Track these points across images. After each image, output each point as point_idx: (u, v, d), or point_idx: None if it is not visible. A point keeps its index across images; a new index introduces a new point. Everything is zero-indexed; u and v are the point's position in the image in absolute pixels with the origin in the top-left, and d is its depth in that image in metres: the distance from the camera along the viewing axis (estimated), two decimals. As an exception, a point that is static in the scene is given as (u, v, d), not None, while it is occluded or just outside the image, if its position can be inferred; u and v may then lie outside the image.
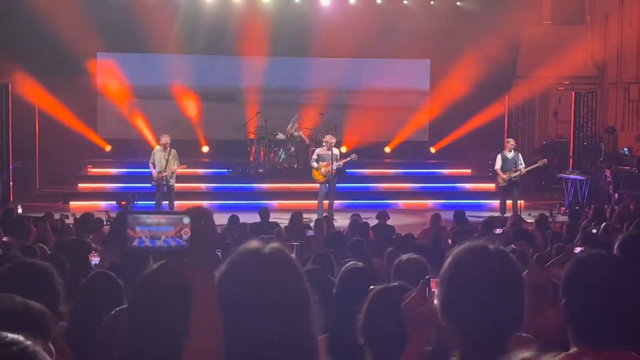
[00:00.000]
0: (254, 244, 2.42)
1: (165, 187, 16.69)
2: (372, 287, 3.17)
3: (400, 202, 19.37)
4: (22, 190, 18.97)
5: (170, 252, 2.40)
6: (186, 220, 2.38)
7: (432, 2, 22.63)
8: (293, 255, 2.42)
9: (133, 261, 4.53)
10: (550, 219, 13.93)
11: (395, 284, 3.18)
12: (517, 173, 17.06)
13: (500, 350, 2.35)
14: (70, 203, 18.42)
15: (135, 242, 2.41)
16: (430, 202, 19.30)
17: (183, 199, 18.15)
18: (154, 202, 16.79)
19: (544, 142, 23.36)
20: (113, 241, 7.64)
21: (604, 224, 9.83)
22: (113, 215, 13.58)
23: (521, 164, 17.18)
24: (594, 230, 9.40)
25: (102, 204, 17.93)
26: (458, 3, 22.67)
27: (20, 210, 14.38)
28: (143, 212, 2.60)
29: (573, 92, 21.50)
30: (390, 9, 22.41)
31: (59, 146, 20.61)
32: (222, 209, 17.37)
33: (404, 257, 4.68)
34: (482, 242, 2.57)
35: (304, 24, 21.90)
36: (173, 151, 16.80)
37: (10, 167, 18.51)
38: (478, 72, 21.69)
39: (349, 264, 4.53)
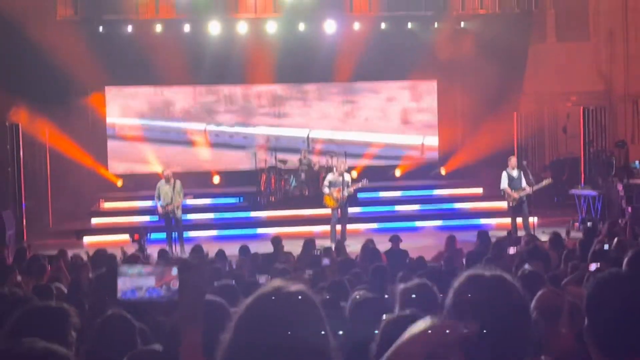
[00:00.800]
0: (275, 283, 2.39)
1: (172, 219, 16.74)
2: (384, 316, 3.17)
3: (414, 225, 19.34)
4: (35, 228, 19.02)
5: (152, 304, 2.40)
6: (174, 271, 2.38)
7: (435, 25, 22.69)
8: (312, 295, 2.37)
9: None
10: (565, 237, 13.87)
11: (407, 312, 3.18)
12: (525, 193, 17.02)
13: None
14: (84, 239, 18.48)
15: (119, 294, 2.42)
16: (443, 223, 19.26)
17: (196, 230, 18.23)
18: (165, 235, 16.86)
19: (554, 159, 23.29)
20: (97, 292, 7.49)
21: (616, 239, 9.77)
22: (128, 250, 13.59)
23: (523, 183, 17.08)
24: (606, 246, 9.34)
25: (116, 238, 17.96)
26: (462, 24, 22.72)
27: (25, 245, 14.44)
28: (130, 264, 2.60)
29: (581, 108, 21.46)
30: (395, 32, 22.47)
31: (70, 183, 20.68)
32: (234, 238, 17.40)
33: (410, 283, 4.63)
34: (480, 270, 2.56)
35: (310, 51, 22.00)
36: (178, 183, 16.84)
37: (23, 205, 18.58)
38: (485, 91, 21.71)
39: (357, 294, 4.52)
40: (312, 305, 2.37)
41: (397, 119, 23.29)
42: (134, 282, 2.45)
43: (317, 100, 23.12)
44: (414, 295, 4.22)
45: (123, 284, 2.44)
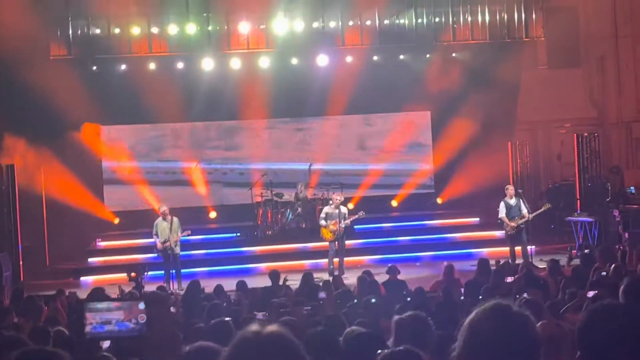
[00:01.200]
0: (253, 327, 2.39)
1: (171, 256, 16.74)
2: (379, 351, 3.16)
3: (411, 255, 19.31)
4: (33, 268, 18.97)
5: (122, 337, 2.41)
6: (142, 305, 2.39)
7: (428, 56, 22.82)
8: (292, 337, 2.37)
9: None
10: (565, 265, 13.87)
11: (402, 348, 3.17)
12: (523, 220, 17.03)
13: None
14: (81, 279, 18.42)
15: (88, 328, 2.43)
16: (440, 253, 19.23)
17: (194, 266, 18.18)
18: (162, 272, 16.83)
19: (549, 186, 23.34)
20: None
21: (613, 266, 9.77)
22: (126, 288, 13.54)
23: (525, 209, 17.15)
24: (604, 273, 9.34)
25: (114, 276, 17.88)
26: (454, 54, 22.86)
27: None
28: (98, 299, 2.62)
29: (575, 135, 21.56)
30: (388, 64, 22.59)
31: (66, 222, 20.66)
32: (233, 273, 17.38)
33: (404, 315, 4.61)
34: (505, 303, 2.58)
35: (303, 84, 22.10)
36: (175, 220, 16.88)
37: (20, 246, 18.54)
38: (479, 120, 21.81)
39: (352, 329, 4.51)
40: (289, 345, 2.37)
41: (392, 149, 23.31)
42: (103, 316, 2.46)
43: (313, 133, 23.15)
44: (409, 327, 4.21)
45: (92, 319, 2.45)
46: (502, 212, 17.32)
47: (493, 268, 12.67)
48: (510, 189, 17.67)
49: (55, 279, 18.13)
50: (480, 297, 9.01)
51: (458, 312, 8.74)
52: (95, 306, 2.37)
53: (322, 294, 11.24)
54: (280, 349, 2.35)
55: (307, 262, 18.45)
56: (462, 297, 10.57)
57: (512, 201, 17.29)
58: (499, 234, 19.55)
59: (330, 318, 6.79)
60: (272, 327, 2.37)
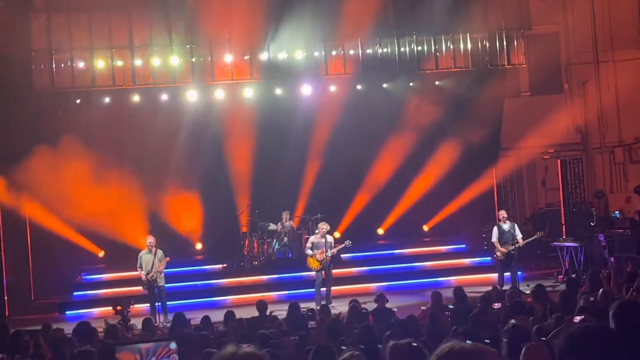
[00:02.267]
0: (229, 349, 2.39)
1: (156, 288, 16.65)
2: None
3: (398, 283, 19.28)
4: (17, 303, 18.81)
5: None
6: (173, 345, 2.40)
7: (411, 84, 22.96)
8: (266, 357, 2.38)
9: None
10: (550, 289, 13.89)
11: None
12: (514, 246, 17.07)
13: None
14: (66, 313, 18.28)
15: None
16: (427, 281, 19.22)
17: (180, 298, 18.07)
18: (148, 305, 16.73)
19: (534, 212, 23.42)
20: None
21: (601, 290, 9.79)
22: (111, 322, 13.45)
23: (519, 236, 17.21)
24: (592, 298, 9.35)
25: (98, 310, 17.75)
26: (437, 82, 23.01)
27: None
28: (84, 333, 2.62)
29: (559, 160, 21.69)
30: (371, 93, 22.71)
31: (51, 256, 20.54)
32: (219, 305, 17.30)
33: (401, 342, 4.59)
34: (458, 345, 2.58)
35: (287, 114, 22.16)
36: (159, 252, 16.83)
37: (4, 281, 18.40)
38: (463, 146, 21.91)
39: (346, 354, 4.50)
40: None
41: (377, 177, 23.29)
42: (143, 355, 2.48)
43: (297, 162, 23.09)
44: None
45: (133, 357, 2.46)
46: (494, 236, 17.36)
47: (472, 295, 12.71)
48: (503, 213, 17.74)
49: (40, 313, 17.98)
50: (469, 324, 8.99)
51: (447, 338, 8.72)
52: (131, 347, 2.37)
53: (311, 323, 11.20)
54: None
55: (293, 292, 18.37)
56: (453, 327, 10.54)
57: (506, 226, 17.34)
58: (486, 259, 19.60)
59: (320, 347, 6.75)
60: (247, 348, 2.38)
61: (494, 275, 17.54)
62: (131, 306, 15.10)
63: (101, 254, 22.13)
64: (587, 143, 24.15)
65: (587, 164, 23.35)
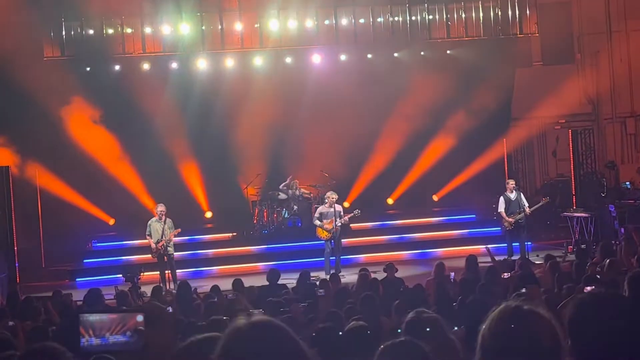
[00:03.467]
0: (240, 321, 2.38)
1: (165, 256, 16.70)
2: (382, 345, 3.14)
3: (407, 253, 19.31)
4: (28, 270, 18.92)
5: (118, 350, 2.38)
6: (139, 317, 2.37)
7: (422, 53, 22.81)
8: (284, 325, 2.36)
9: None
10: (560, 259, 13.86)
11: (403, 339, 3.16)
12: (522, 215, 17.01)
13: None
14: (77, 280, 18.40)
15: (83, 341, 2.40)
16: (436, 251, 19.23)
17: (190, 267, 18.14)
18: (158, 272, 16.81)
19: (544, 182, 23.34)
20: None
21: (608, 261, 9.77)
22: (121, 289, 13.52)
23: (525, 204, 17.15)
24: (599, 269, 9.34)
25: (109, 277, 17.83)
26: (448, 52, 22.86)
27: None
28: (92, 311, 2.60)
29: (570, 131, 21.56)
30: (381, 62, 22.59)
31: (62, 223, 20.62)
32: (229, 273, 17.35)
33: (423, 315, 4.53)
34: (516, 303, 2.60)
35: (297, 82, 22.06)
36: (169, 220, 16.84)
37: (15, 248, 18.50)
38: (474, 116, 21.80)
39: (354, 323, 4.50)
40: (286, 335, 2.36)
41: (388, 146, 23.21)
42: (98, 329, 2.43)
43: (308, 131, 23.04)
44: (428, 329, 4.21)
45: (86, 332, 2.42)
46: (501, 206, 17.29)
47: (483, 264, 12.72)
48: (511, 183, 17.64)
49: (51, 280, 18.09)
50: (477, 294, 8.99)
51: (453, 308, 8.74)
52: (89, 319, 2.35)
53: (320, 291, 11.22)
54: (273, 336, 2.33)
55: (303, 261, 18.41)
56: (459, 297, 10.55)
57: (512, 195, 17.27)
58: (495, 229, 19.58)
59: (329, 314, 6.77)
60: (264, 317, 2.36)
61: (504, 245, 17.50)
62: (141, 274, 15.18)
63: (112, 221, 22.20)
64: (599, 113, 24.02)
65: (599, 135, 23.23)
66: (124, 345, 2.36)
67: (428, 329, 4.26)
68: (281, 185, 20.78)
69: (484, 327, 2.58)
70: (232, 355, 2.29)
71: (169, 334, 2.34)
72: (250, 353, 2.28)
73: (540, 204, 17.58)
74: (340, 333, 5.52)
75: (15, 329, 8.14)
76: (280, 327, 2.37)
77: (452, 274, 12.53)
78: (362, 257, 18.90)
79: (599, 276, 9.20)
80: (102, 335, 2.41)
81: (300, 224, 20.36)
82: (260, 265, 18.27)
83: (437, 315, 4.83)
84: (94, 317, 2.44)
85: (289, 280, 13.86)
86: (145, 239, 17.07)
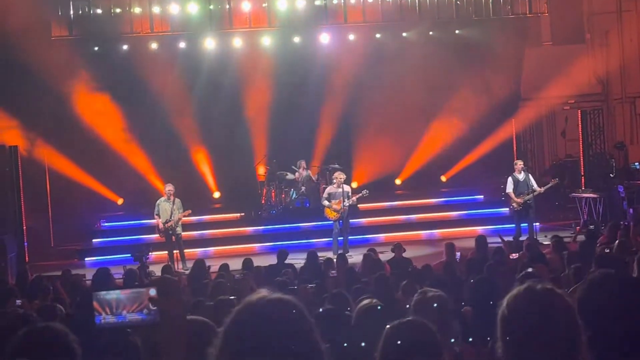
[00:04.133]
0: (260, 294, 2.37)
1: (173, 236, 16.73)
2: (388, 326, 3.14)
3: (416, 233, 19.31)
4: (37, 249, 18.99)
5: (135, 326, 2.39)
6: (152, 292, 2.37)
7: (430, 33, 22.71)
8: (300, 305, 2.34)
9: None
10: (568, 239, 13.86)
11: (410, 318, 3.16)
12: (530, 195, 16.97)
13: None
14: (86, 259, 18.46)
15: (100, 319, 2.42)
16: (445, 231, 19.22)
17: (197, 246, 18.18)
18: (166, 252, 16.86)
19: (553, 163, 23.26)
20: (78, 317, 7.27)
21: (617, 242, 9.74)
22: (129, 267, 13.56)
23: (533, 184, 17.10)
24: (607, 250, 9.31)
25: (118, 257, 17.88)
26: (457, 31, 22.75)
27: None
28: (109, 289, 2.60)
29: (579, 111, 21.46)
30: (390, 41, 22.50)
31: (71, 203, 20.68)
32: (237, 253, 17.38)
33: (429, 293, 4.57)
34: (532, 284, 2.58)
35: (305, 62, 21.99)
36: (177, 200, 16.85)
37: (24, 228, 18.56)
38: (482, 97, 21.71)
39: (363, 302, 4.51)
40: (300, 313, 2.33)
41: (396, 126, 23.16)
42: (113, 306, 2.44)
43: (316, 111, 23.03)
44: (435, 305, 4.21)
45: (102, 309, 2.43)
46: (509, 187, 17.23)
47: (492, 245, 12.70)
48: (520, 164, 17.58)
49: (60, 259, 18.15)
50: (485, 273, 8.98)
51: (462, 289, 8.73)
52: (104, 297, 2.36)
53: (329, 272, 11.24)
54: (286, 313, 2.31)
55: (311, 242, 18.44)
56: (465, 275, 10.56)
57: (521, 176, 17.21)
58: (504, 210, 19.56)
59: (336, 295, 6.77)
60: (277, 294, 2.34)
61: (512, 226, 17.47)
62: (150, 253, 15.23)
63: (120, 201, 22.26)
64: (608, 94, 23.89)
65: (608, 115, 23.12)
66: (140, 322, 2.38)
67: (435, 305, 4.26)
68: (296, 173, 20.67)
69: (504, 306, 2.56)
70: (241, 330, 2.28)
71: (181, 305, 2.33)
72: (260, 329, 2.27)
73: (549, 184, 17.52)
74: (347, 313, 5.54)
75: (26, 307, 8.17)
76: (293, 305, 2.35)
77: (458, 254, 12.54)
78: (370, 237, 18.89)
79: (607, 251, 9.20)
80: (119, 313, 2.42)
81: (308, 205, 20.37)
82: (268, 245, 18.29)
83: (442, 293, 4.84)
84: (110, 295, 2.45)
85: (297, 260, 13.88)
86: (154, 218, 17.11)
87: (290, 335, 2.25)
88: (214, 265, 13.22)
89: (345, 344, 4.47)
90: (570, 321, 2.50)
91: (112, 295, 2.45)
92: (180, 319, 2.34)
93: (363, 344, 4.03)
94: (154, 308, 2.37)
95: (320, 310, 5.40)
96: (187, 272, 14.50)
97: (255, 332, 2.25)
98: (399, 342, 2.96)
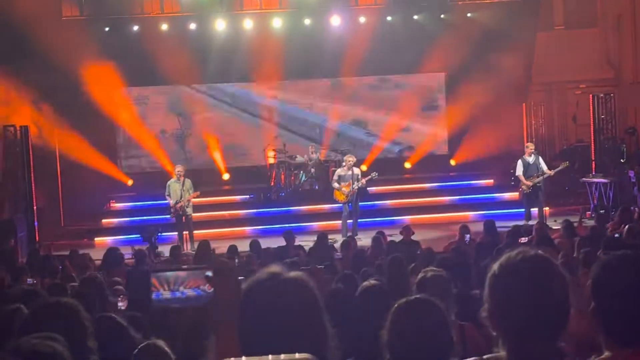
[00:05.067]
0: (274, 268, 2.36)
1: (183, 217, 16.80)
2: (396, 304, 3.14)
3: (424, 217, 19.28)
4: (47, 229, 19.07)
5: (191, 304, 2.42)
6: (208, 274, 2.39)
7: (442, 16, 22.59)
8: (313, 285, 2.34)
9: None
10: (576, 224, 13.82)
11: (418, 296, 3.16)
12: (540, 178, 16.92)
13: (550, 349, 2.44)
14: (95, 239, 18.52)
15: (155, 295, 2.44)
16: (454, 215, 19.20)
17: (206, 227, 18.21)
18: (176, 233, 16.91)
19: (564, 147, 23.18)
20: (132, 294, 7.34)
21: (627, 226, 9.71)
22: (138, 248, 13.61)
23: (544, 168, 17.05)
24: (617, 234, 9.27)
25: (127, 237, 17.93)
26: (468, 14, 22.63)
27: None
28: (165, 269, 2.64)
29: (591, 95, 21.35)
30: (401, 25, 22.40)
31: (81, 183, 20.72)
32: (246, 235, 17.43)
33: (428, 273, 4.62)
34: (524, 249, 2.59)
35: (316, 45, 21.93)
36: (187, 181, 16.92)
37: (34, 207, 18.63)
38: (494, 81, 21.62)
39: (365, 282, 4.51)
40: (308, 290, 2.34)
41: (406, 111, 23.14)
42: (173, 283, 2.47)
43: (326, 93, 23.01)
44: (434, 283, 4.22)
45: (160, 287, 2.46)
46: (519, 170, 17.18)
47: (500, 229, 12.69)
48: (530, 147, 17.53)
49: (70, 239, 18.22)
50: (494, 257, 8.96)
51: (470, 272, 8.71)
52: (164, 275, 2.40)
53: (337, 254, 11.25)
54: (297, 289, 2.32)
55: (320, 224, 18.45)
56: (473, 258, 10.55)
57: (531, 159, 17.16)
58: (514, 194, 19.51)
59: (344, 276, 6.78)
60: (294, 273, 2.34)
61: (522, 210, 17.42)
62: (159, 234, 15.27)
63: (130, 182, 22.31)
64: (620, 79, 23.76)
65: (620, 100, 22.98)
66: (195, 300, 2.41)
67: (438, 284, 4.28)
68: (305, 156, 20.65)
69: (495, 267, 2.56)
70: (251, 307, 2.28)
71: (236, 289, 2.33)
72: (269, 305, 2.26)
73: (560, 167, 17.48)
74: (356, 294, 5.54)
75: (35, 285, 8.22)
76: (306, 284, 2.35)
77: (467, 236, 12.54)
78: (380, 220, 18.88)
79: (615, 241, 9.16)
80: (177, 290, 2.47)
81: (317, 187, 20.37)
82: (278, 227, 18.31)
83: (443, 272, 4.86)
84: (170, 273, 2.50)
85: (306, 242, 13.90)
86: (165, 199, 17.18)
87: (301, 314, 2.25)
88: (222, 247, 13.25)
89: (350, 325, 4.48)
90: (560, 289, 2.50)
91: (172, 273, 2.48)
92: (235, 302, 2.34)
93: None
94: (210, 289, 2.39)
95: (328, 290, 5.40)
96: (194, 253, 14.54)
97: (268, 304, 2.25)
98: (408, 319, 2.97)
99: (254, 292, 2.31)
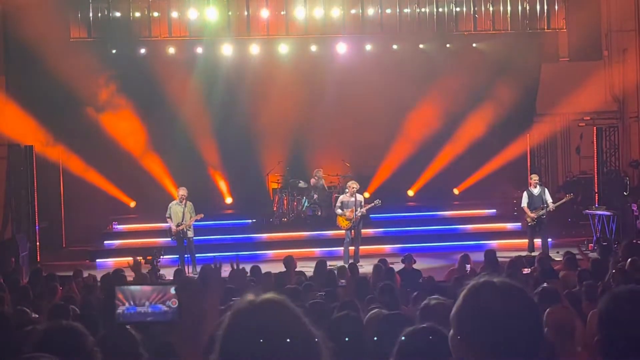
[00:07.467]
0: (248, 296, 2.35)
1: (184, 240, 16.76)
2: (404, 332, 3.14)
3: (426, 245, 19.26)
4: (49, 250, 19.06)
5: (154, 322, 2.40)
6: (172, 290, 2.38)
7: (448, 45, 22.69)
8: (288, 302, 2.34)
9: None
10: (578, 255, 13.78)
11: (425, 325, 3.16)
12: (544, 211, 16.93)
13: None
14: (97, 261, 18.50)
15: (120, 310, 2.43)
16: (455, 244, 19.16)
17: (208, 251, 18.18)
18: (177, 256, 16.88)
19: (567, 179, 23.19)
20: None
21: (629, 260, 9.70)
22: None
23: (549, 200, 17.08)
24: (620, 266, 9.27)
25: (129, 259, 17.84)
26: (474, 45, 22.73)
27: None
28: (130, 283, 2.66)
29: (594, 128, 21.40)
30: (407, 53, 22.49)
31: (83, 204, 20.74)
32: (247, 259, 17.38)
33: (431, 301, 4.63)
34: (487, 278, 2.54)
35: (322, 72, 22.00)
36: (189, 204, 16.91)
37: (37, 227, 18.65)
38: (498, 111, 21.69)
39: (372, 312, 4.50)
40: (283, 307, 2.32)
41: (412, 138, 23.13)
42: (136, 299, 2.46)
43: (331, 121, 23.03)
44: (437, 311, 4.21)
45: (125, 301, 2.44)
46: (524, 201, 17.21)
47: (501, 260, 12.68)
48: (535, 178, 17.58)
49: (71, 260, 18.21)
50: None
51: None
52: (128, 288, 2.40)
53: (342, 281, 11.21)
54: (278, 314, 2.30)
55: (322, 250, 18.44)
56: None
57: (536, 191, 17.20)
58: (516, 225, 19.49)
59: (346, 303, 6.76)
60: (268, 295, 2.33)
61: (524, 241, 17.42)
62: (161, 257, 15.26)
63: (132, 204, 22.30)
64: (624, 112, 23.81)
65: (623, 133, 23.03)
66: (161, 316, 2.38)
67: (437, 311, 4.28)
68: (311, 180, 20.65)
69: (460, 299, 2.53)
70: (235, 334, 2.26)
71: (200, 307, 2.33)
72: (253, 331, 2.26)
73: (563, 200, 17.52)
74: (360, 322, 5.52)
75: (38, 305, 8.20)
76: (285, 306, 2.34)
77: (468, 266, 12.52)
78: (381, 247, 18.86)
79: (619, 274, 9.15)
80: (142, 304, 2.44)
81: (320, 213, 20.37)
82: (279, 252, 18.27)
83: (445, 300, 4.85)
84: (134, 287, 2.48)
85: (307, 268, 13.87)
86: (166, 221, 17.15)
87: (284, 334, 2.24)
88: (223, 272, 13.20)
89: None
90: (531, 316, 2.46)
91: (137, 287, 2.47)
92: (199, 317, 2.33)
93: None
94: (175, 305, 2.37)
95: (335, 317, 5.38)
96: (196, 277, 14.50)
97: (249, 336, 2.24)
98: (415, 348, 2.97)
99: (233, 323, 2.29)
